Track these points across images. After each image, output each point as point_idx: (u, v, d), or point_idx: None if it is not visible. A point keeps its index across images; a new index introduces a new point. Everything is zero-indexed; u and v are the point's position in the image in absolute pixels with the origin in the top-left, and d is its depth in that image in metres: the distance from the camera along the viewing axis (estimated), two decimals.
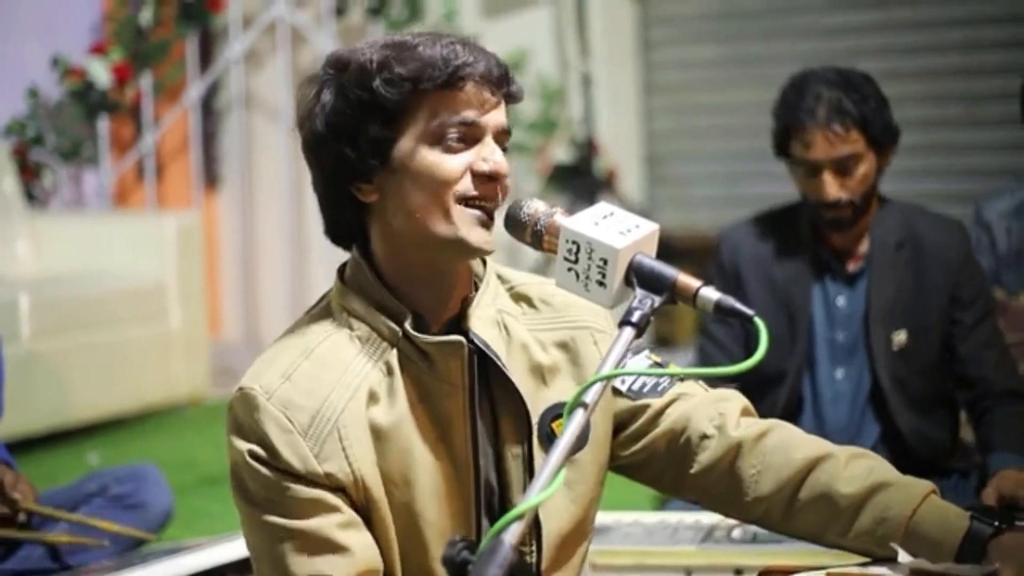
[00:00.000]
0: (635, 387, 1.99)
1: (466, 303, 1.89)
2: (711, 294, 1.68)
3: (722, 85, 6.63)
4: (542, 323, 1.97)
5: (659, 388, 1.99)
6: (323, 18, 6.74)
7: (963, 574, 1.76)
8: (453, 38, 1.83)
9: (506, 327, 1.92)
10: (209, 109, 7.10)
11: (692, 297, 1.69)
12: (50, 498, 3.14)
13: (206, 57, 6.98)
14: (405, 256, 1.86)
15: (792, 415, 3.19)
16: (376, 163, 1.82)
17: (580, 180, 6.45)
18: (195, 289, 6.07)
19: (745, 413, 2.02)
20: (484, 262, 1.95)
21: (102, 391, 5.53)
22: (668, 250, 1.77)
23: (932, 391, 3.25)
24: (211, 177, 7.15)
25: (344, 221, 1.90)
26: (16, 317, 5.13)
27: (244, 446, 1.81)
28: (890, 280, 3.21)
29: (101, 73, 6.64)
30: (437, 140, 1.81)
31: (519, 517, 1.46)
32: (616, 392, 1.98)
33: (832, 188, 3.11)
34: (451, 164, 1.81)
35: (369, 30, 6.65)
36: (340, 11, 6.74)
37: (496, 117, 1.84)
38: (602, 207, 1.78)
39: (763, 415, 3.06)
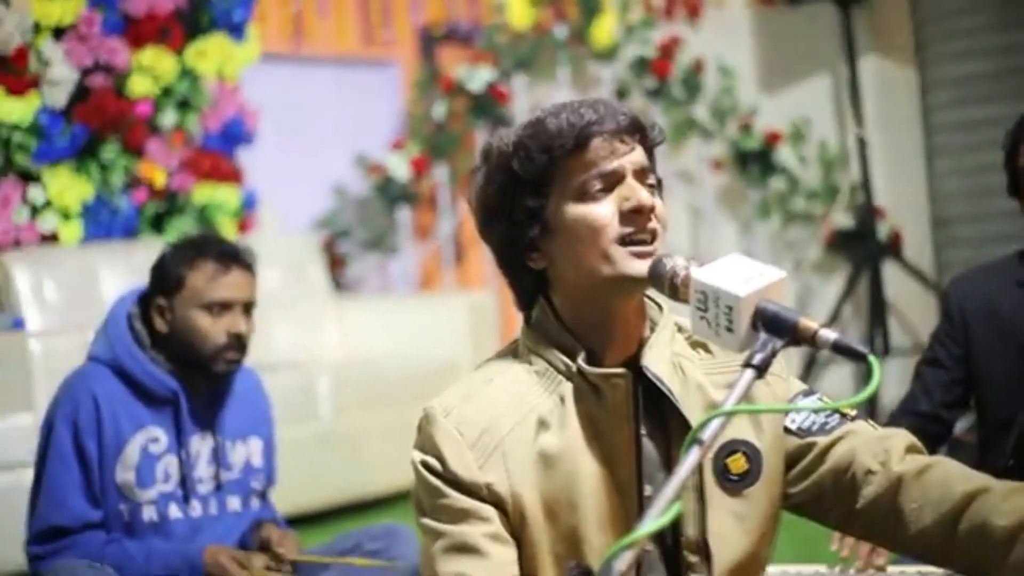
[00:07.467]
0: (804, 426, 2.08)
1: (642, 344, 2.03)
2: (829, 335, 1.76)
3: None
4: (718, 366, 2.08)
5: (827, 427, 2.07)
6: None
7: None
8: (580, 102, 2.01)
9: (682, 369, 2.05)
10: None
11: (812, 338, 1.77)
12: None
13: None
14: (580, 304, 2.01)
15: None
16: (536, 231, 2.01)
17: (862, 245, 6.41)
18: None
19: (910, 450, 2.06)
20: (661, 308, 2.08)
21: (394, 466, 5.74)
22: None
23: None
24: None
25: (528, 291, 2.08)
26: (315, 399, 5.43)
27: (420, 457, 2.00)
28: None
29: (400, 167, 7.03)
30: (581, 195, 1.97)
31: (630, 545, 1.57)
32: (786, 431, 2.07)
33: None
34: (598, 211, 1.96)
35: (650, 111, 6.82)
36: (621, 94, 6.94)
37: (631, 158, 1.99)
38: (732, 258, 1.87)
39: (997, 458, 3.04)
